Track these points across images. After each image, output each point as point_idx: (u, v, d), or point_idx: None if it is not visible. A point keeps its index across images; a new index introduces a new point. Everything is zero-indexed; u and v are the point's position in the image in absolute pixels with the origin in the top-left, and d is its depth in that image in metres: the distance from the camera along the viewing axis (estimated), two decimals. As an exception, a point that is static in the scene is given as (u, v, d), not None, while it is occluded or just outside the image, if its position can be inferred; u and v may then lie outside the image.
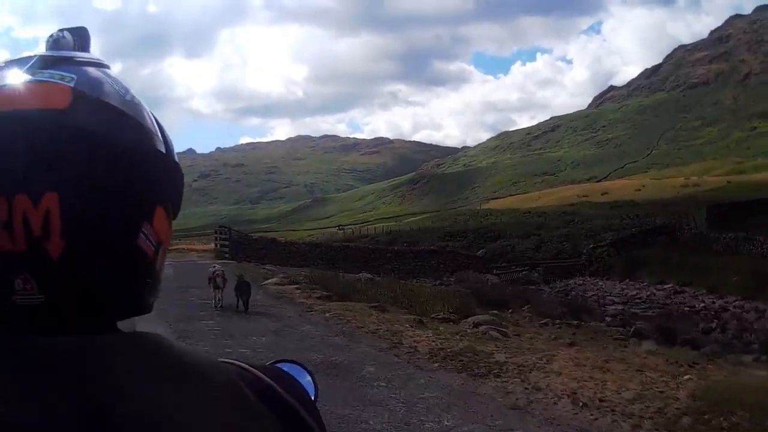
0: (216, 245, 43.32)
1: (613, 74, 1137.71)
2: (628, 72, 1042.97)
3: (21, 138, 0.86)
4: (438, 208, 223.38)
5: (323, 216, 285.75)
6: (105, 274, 0.92)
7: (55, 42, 1.01)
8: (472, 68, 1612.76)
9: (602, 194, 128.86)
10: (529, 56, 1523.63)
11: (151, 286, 1.00)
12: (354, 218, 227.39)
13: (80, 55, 1.00)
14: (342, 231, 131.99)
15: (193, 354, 0.99)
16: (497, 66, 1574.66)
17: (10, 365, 0.84)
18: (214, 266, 20.59)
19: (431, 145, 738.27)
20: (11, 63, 0.95)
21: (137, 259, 0.95)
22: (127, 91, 1.00)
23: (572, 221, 75.11)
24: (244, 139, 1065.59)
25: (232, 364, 1.06)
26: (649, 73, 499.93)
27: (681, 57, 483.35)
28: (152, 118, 1.02)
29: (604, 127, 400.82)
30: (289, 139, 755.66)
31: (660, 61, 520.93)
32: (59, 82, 0.92)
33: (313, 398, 1.25)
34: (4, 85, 0.91)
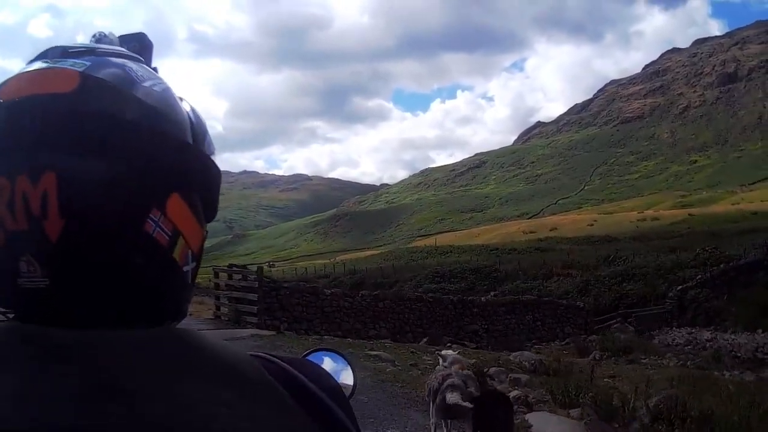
0: (217, 302, 25.61)
1: (536, 111, 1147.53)
2: (551, 109, 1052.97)
3: (23, 121, 0.87)
4: (363, 245, 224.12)
5: (244, 252, 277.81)
6: (108, 258, 0.90)
7: (97, 40, 1.03)
8: (391, 105, 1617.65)
9: (551, 230, 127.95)
10: (450, 93, 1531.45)
11: (175, 283, 0.99)
12: (276, 255, 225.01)
13: (105, 46, 1.01)
14: (271, 267, 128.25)
15: (224, 349, 0.96)
16: (416, 103, 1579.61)
17: (28, 362, 0.83)
18: (445, 358, 9.42)
19: (348, 182, 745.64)
20: (39, 55, 0.98)
21: (147, 247, 0.92)
22: (149, 78, 0.99)
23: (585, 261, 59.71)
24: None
25: (263, 358, 1.04)
26: (579, 109, 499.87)
27: (613, 92, 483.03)
28: (186, 110, 1.03)
29: (533, 163, 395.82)
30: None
31: (590, 96, 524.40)
32: (69, 68, 0.93)
33: (351, 391, 1.22)
34: (19, 73, 0.94)
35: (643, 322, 40.21)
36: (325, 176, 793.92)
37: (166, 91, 1.01)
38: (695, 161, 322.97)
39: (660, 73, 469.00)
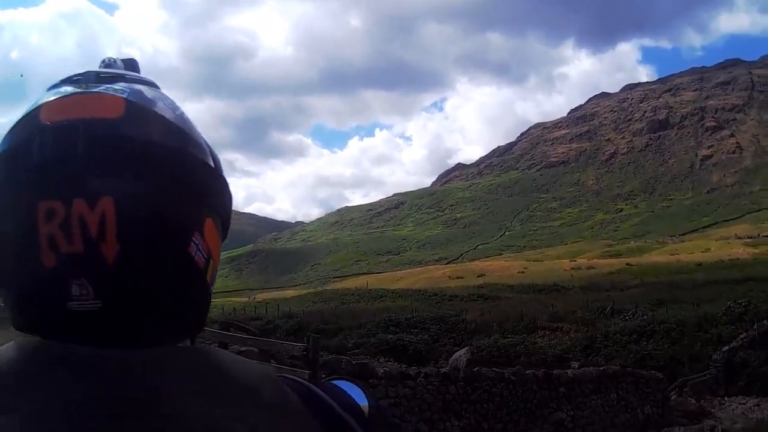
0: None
1: (454, 152, 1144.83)
2: (470, 151, 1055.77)
3: (76, 145, 0.90)
4: (279, 284, 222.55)
5: None
6: (157, 280, 0.95)
7: (107, 66, 1.07)
8: (309, 141, 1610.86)
9: (478, 276, 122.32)
10: (368, 131, 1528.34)
11: (203, 302, 1.04)
12: None
13: (131, 73, 1.06)
14: None
15: (248, 368, 1.01)
16: (335, 140, 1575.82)
17: (60, 380, 0.87)
18: None
19: (264, 218, 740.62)
20: (66, 80, 1.01)
21: (188, 268, 0.98)
22: (177, 107, 1.05)
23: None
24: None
25: (288, 378, 1.08)
26: (501, 151, 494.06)
27: (538, 135, 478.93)
28: (199, 132, 1.07)
29: (452, 206, 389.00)
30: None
31: (511, 139, 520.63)
32: (113, 93, 0.97)
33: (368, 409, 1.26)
34: (61, 96, 0.96)
35: (695, 392, 33.77)
36: (241, 210, 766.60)
37: (189, 119, 1.06)
38: (621, 209, 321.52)
39: (587, 117, 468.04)
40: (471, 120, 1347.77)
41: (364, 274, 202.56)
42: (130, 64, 1.11)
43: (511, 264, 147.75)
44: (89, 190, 0.89)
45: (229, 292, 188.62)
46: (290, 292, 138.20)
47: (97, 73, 1.02)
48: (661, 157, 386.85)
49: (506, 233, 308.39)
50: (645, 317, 43.65)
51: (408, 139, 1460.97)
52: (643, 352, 36.97)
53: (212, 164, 1.05)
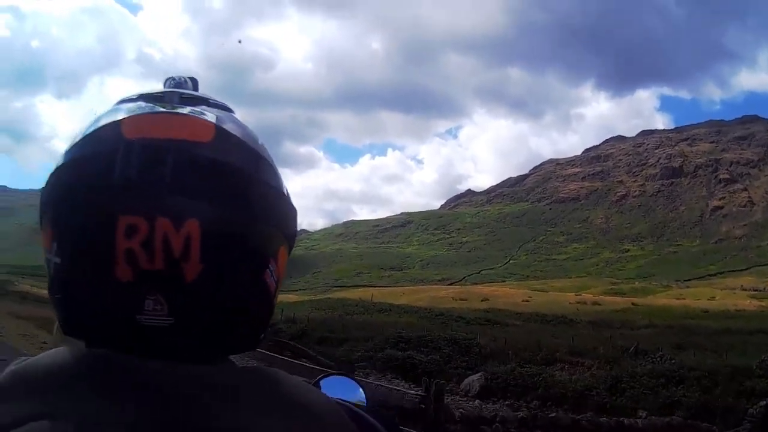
0: None
1: (464, 179, 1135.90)
2: (480, 179, 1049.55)
3: (164, 164, 0.92)
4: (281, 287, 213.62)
5: None
6: (233, 304, 0.97)
7: (177, 85, 1.08)
8: (321, 154, 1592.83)
9: (482, 300, 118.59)
10: (381, 150, 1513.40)
11: (267, 322, 1.08)
12: None
13: (212, 98, 1.08)
14: None
15: (310, 392, 1.02)
16: (347, 155, 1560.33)
17: (121, 393, 0.88)
18: None
19: None
20: (145, 97, 1.03)
21: (262, 294, 1.02)
22: (257, 136, 1.09)
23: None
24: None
25: (344, 405, 1.09)
26: (513, 182, 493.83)
27: (550, 170, 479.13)
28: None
29: (459, 229, 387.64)
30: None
31: (523, 172, 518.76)
32: (201, 117, 1.00)
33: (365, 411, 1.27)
34: (146, 115, 0.98)
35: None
36: None
37: (264, 146, 1.10)
38: (628, 250, 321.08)
39: (601, 158, 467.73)
40: (484, 150, 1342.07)
41: (366, 286, 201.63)
42: (195, 83, 1.12)
43: (515, 291, 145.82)
44: (175, 210, 0.90)
45: None
46: (291, 297, 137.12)
47: (180, 94, 1.03)
48: (672, 203, 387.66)
49: (511, 261, 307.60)
50: (673, 361, 39.66)
51: (420, 161, 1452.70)
52: (672, 398, 33.16)
53: (286, 192, 1.10)
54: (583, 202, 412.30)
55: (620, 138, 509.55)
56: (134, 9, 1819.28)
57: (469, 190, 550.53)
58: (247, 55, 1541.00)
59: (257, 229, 0.99)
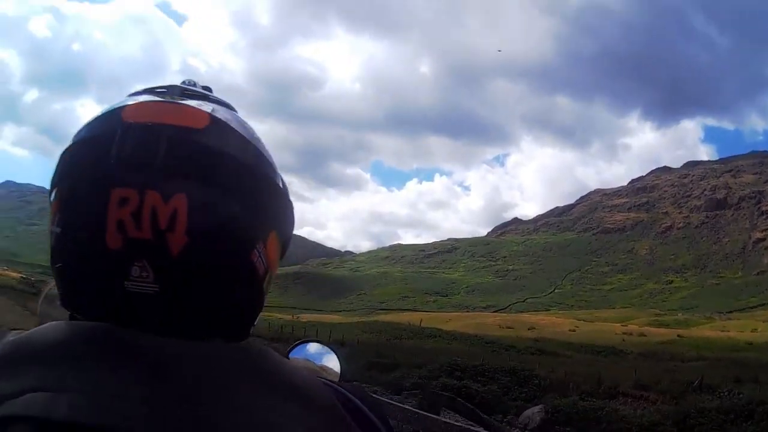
0: None
1: (510, 207, 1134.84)
2: (526, 208, 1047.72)
3: (158, 144, 0.97)
4: (321, 307, 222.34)
5: None
6: (217, 278, 0.99)
7: (189, 86, 1.14)
8: (368, 176, 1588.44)
9: (528, 329, 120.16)
10: (428, 175, 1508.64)
11: (256, 309, 1.11)
12: None
13: (214, 96, 1.14)
14: None
15: (298, 372, 1.04)
16: (394, 179, 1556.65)
17: (117, 364, 0.90)
18: None
19: (313, 242, 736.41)
20: (149, 90, 1.08)
21: (249, 274, 1.04)
22: (254, 132, 1.13)
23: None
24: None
25: (327, 382, 1.13)
26: (559, 212, 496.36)
27: (597, 200, 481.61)
28: (273, 160, 1.15)
29: (504, 257, 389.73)
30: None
31: (569, 201, 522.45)
32: (198, 107, 1.05)
33: (340, 377, 1.32)
34: (146, 102, 1.04)
35: None
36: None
37: (262, 142, 1.14)
38: (671, 281, 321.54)
39: (647, 189, 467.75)
40: (531, 178, 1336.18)
41: (410, 310, 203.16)
42: (208, 90, 1.16)
43: (562, 321, 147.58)
44: (165, 185, 0.94)
45: (271, 308, 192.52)
46: (334, 317, 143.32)
47: (182, 89, 1.09)
48: (716, 235, 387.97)
49: (556, 291, 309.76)
50: (741, 395, 34.07)
51: (466, 188, 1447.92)
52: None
53: (281, 185, 1.13)
54: (628, 233, 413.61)
55: (666, 169, 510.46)
56: (179, 19, 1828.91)
57: (516, 218, 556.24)
58: (295, 73, 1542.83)
59: (245, 211, 1.02)
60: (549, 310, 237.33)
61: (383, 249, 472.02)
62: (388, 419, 1.19)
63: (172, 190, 0.94)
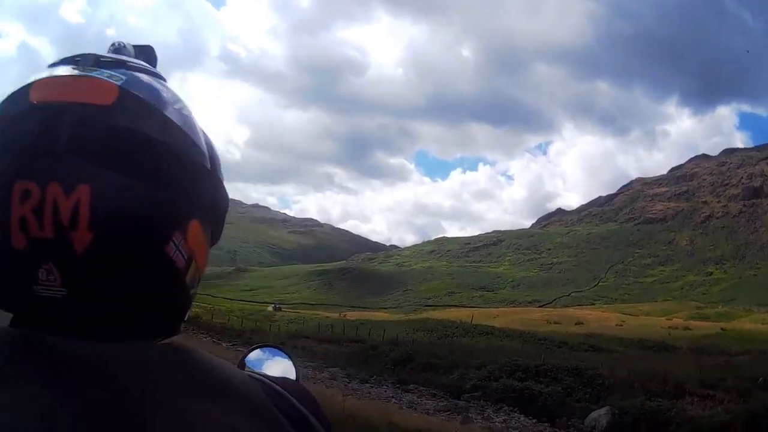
0: None
1: (553, 197, 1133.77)
2: (568, 198, 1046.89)
3: (61, 128, 0.89)
4: (367, 304, 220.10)
5: (244, 288, 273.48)
6: (129, 275, 0.93)
7: (116, 50, 1.06)
8: (412, 166, 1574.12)
9: (576, 324, 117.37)
10: (472, 165, 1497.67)
11: (180, 304, 1.04)
12: (276, 298, 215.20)
13: (135, 60, 1.04)
14: (278, 310, 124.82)
15: (225, 368, 0.99)
16: (438, 168, 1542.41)
17: (34, 370, 0.84)
18: None
19: (358, 236, 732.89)
20: (66, 60, 1.00)
21: (165, 268, 0.96)
22: (178, 100, 1.03)
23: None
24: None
25: (259, 379, 1.07)
26: (602, 201, 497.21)
27: (638, 190, 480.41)
28: (203, 133, 1.06)
29: (549, 250, 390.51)
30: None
31: (610, 191, 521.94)
32: (107, 80, 0.95)
33: (296, 381, 1.27)
34: (53, 77, 0.96)
35: None
36: (336, 225, 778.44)
37: (191, 116, 1.04)
38: (711, 273, 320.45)
39: (686, 177, 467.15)
40: (572, 167, 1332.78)
41: (457, 306, 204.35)
42: (145, 51, 1.10)
43: (607, 315, 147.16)
44: (67, 175, 0.88)
45: (315, 305, 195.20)
46: (380, 314, 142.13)
47: (97, 57, 1.00)
48: (753, 224, 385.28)
49: (600, 284, 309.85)
50: None
51: (510, 177, 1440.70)
52: None
53: (207, 165, 1.04)
54: (669, 223, 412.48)
55: (704, 157, 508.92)
56: (217, 2, 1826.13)
57: (560, 209, 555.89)
58: (338, 58, 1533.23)
59: (157, 198, 0.94)
60: (594, 304, 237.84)
61: (428, 243, 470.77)
62: (329, 421, 1.12)
63: (74, 181, 0.88)
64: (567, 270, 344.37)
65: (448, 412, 29.69)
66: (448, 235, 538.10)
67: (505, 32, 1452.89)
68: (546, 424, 29.54)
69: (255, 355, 1.66)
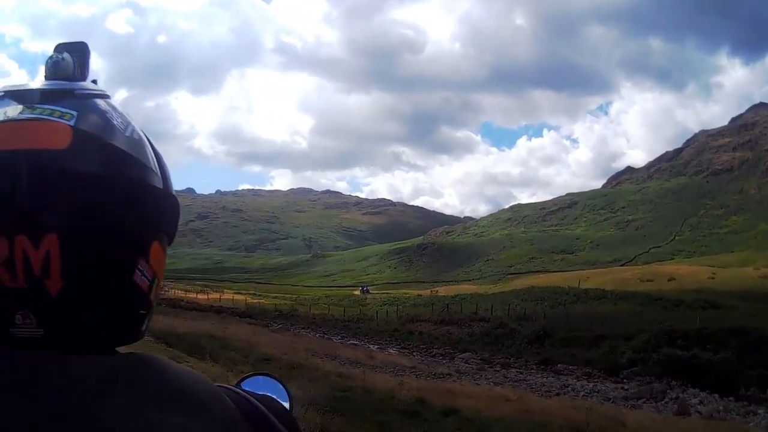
0: None
1: (618, 157, 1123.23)
2: (633, 156, 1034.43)
3: (19, 179, 0.88)
4: (450, 278, 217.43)
5: (323, 274, 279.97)
6: (100, 306, 0.96)
7: (54, 65, 1.02)
8: (478, 138, 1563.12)
9: (669, 280, 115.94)
10: (536, 132, 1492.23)
11: (145, 317, 1.06)
12: (358, 280, 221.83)
13: (81, 86, 1.02)
14: (366, 293, 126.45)
15: (192, 378, 1.01)
16: (504, 138, 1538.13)
17: (5, 384, 0.86)
18: None
19: (431, 211, 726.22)
20: (9, 94, 0.97)
21: (132, 294, 1.00)
22: (128, 125, 1.02)
23: None
24: (243, 186, 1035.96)
25: (228, 389, 1.10)
26: (670, 156, 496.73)
27: (703, 142, 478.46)
28: (150, 149, 1.06)
29: (623, 208, 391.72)
30: (291, 190, 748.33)
31: (674, 146, 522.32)
32: (59, 120, 0.94)
33: (290, 410, 1.29)
34: (4, 122, 0.93)
35: None
36: (409, 203, 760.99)
37: (141, 138, 1.04)
38: None
39: (748, 126, 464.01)
40: (634, 125, 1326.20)
41: (541, 271, 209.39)
42: (79, 48, 1.07)
43: (697, 269, 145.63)
44: (33, 226, 0.88)
45: (398, 283, 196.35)
46: (467, 287, 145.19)
47: (42, 91, 0.98)
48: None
49: (676, 238, 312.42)
50: None
51: (575, 141, 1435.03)
52: None
53: (160, 184, 1.05)
54: (736, 172, 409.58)
55: (762, 105, 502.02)
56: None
57: (629, 167, 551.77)
58: (394, 39, 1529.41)
59: (122, 233, 0.96)
60: (673, 258, 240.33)
61: (504, 211, 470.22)
62: (297, 425, 1.17)
63: (41, 231, 0.89)
64: (643, 227, 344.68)
65: (643, 399, 27.43)
66: (520, 201, 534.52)
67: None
68: (730, 398, 27.33)
69: (249, 381, 1.65)
